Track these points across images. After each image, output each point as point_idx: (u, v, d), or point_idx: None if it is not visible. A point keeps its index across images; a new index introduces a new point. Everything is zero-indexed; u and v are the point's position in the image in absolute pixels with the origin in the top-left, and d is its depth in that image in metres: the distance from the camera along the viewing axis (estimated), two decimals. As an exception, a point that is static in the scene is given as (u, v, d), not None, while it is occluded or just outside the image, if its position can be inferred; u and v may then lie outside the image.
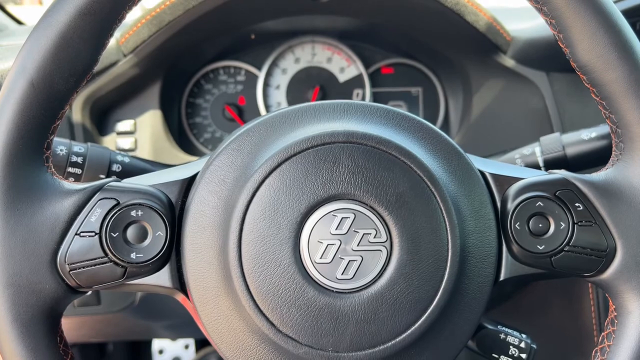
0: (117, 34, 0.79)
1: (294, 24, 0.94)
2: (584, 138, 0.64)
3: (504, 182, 0.51)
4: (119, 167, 0.64)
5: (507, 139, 0.86)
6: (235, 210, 0.46)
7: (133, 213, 0.47)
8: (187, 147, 0.98)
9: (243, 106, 1.01)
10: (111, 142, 0.85)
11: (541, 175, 0.51)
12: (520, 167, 0.55)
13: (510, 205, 0.49)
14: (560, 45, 0.50)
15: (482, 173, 0.51)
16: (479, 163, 0.53)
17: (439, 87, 1.00)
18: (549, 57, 0.80)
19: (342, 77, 1.02)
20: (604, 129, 0.64)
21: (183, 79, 0.97)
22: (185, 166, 0.54)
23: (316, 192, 0.46)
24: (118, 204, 0.47)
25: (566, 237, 0.48)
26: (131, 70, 0.80)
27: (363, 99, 1.01)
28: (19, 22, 1.09)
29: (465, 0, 0.78)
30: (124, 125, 0.85)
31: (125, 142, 0.85)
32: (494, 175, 0.51)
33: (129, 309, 0.88)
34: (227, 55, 0.99)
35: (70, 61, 0.46)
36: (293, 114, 0.50)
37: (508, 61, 0.84)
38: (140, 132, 0.86)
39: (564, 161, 0.65)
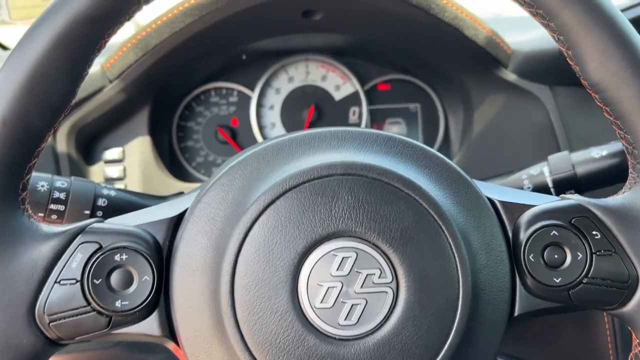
0: (102, 59, 0.76)
1: (286, 42, 0.91)
2: (594, 156, 0.61)
3: (515, 210, 0.48)
4: (104, 202, 0.61)
5: (511, 156, 0.83)
6: (226, 252, 0.42)
7: (117, 257, 0.44)
8: (179, 172, 0.94)
9: (236, 128, 0.97)
10: (99, 171, 0.82)
11: (554, 202, 0.48)
12: (530, 192, 0.52)
13: (523, 236, 0.46)
14: (570, 62, 0.47)
15: (491, 201, 0.48)
16: (486, 190, 0.49)
17: (438, 103, 0.97)
18: (552, 70, 0.77)
19: (337, 95, 0.98)
20: (615, 146, 0.61)
21: (173, 101, 0.93)
22: (173, 202, 0.51)
23: (314, 230, 0.42)
24: (100, 247, 0.44)
25: (584, 268, 0.45)
26: (118, 96, 0.77)
27: (360, 116, 0.98)
28: (3, 48, 1.06)
29: (463, 14, 0.75)
30: (111, 153, 0.82)
31: (114, 171, 0.82)
32: (503, 203, 0.48)
33: (122, 343, 0.84)
34: (219, 76, 0.96)
35: (46, 95, 0.43)
36: (287, 145, 0.47)
37: (509, 75, 0.81)
38: (129, 159, 0.82)
39: (574, 181, 0.61)
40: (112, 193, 0.62)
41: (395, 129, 1.00)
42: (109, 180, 0.81)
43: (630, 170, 0.47)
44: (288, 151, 0.46)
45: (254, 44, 0.87)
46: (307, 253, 0.42)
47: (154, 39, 0.72)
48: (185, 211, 0.48)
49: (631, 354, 0.47)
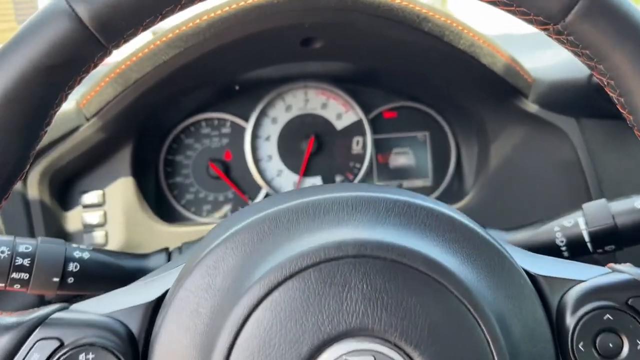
0: (77, 95, 0.68)
1: (283, 70, 0.83)
2: (638, 207, 0.53)
3: (559, 286, 0.40)
4: (76, 266, 0.53)
5: (532, 196, 0.75)
6: (213, 355, 0.34)
7: (82, 357, 0.36)
8: (167, 211, 0.86)
9: (229, 161, 0.90)
10: (76, 217, 0.73)
11: (605, 276, 0.40)
12: (573, 263, 0.44)
13: (571, 320, 0.38)
14: (621, 110, 0.39)
15: (531, 276, 0.40)
16: (523, 260, 0.42)
17: (449, 131, 0.90)
18: (580, 101, 0.70)
19: (339, 124, 0.91)
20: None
21: (159, 135, 0.86)
22: (152, 282, 0.43)
23: (321, 330, 0.34)
24: (62, 345, 0.36)
25: None
26: (96, 135, 0.69)
27: (364, 147, 0.90)
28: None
29: (480, 41, 0.67)
30: (90, 197, 0.74)
31: (93, 217, 0.74)
32: (546, 279, 0.40)
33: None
34: (209, 106, 0.88)
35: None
36: (286, 216, 0.39)
37: (531, 106, 0.73)
38: (111, 203, 0.74)
39: (614, 234, 0.54)
40: (85, 255, 0.54)
41: (402, 160, 0.92)
42: (88, 227, 0.73)
43: None
44: (287, 225, 0.38)
45: (247, 74, 0.79)
46: (314, 358, 0.34)
47: (135, 72, 0.64)
48: (165, 293, 0.40)
49: None
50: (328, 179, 0.91)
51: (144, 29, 0.36)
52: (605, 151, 0.70)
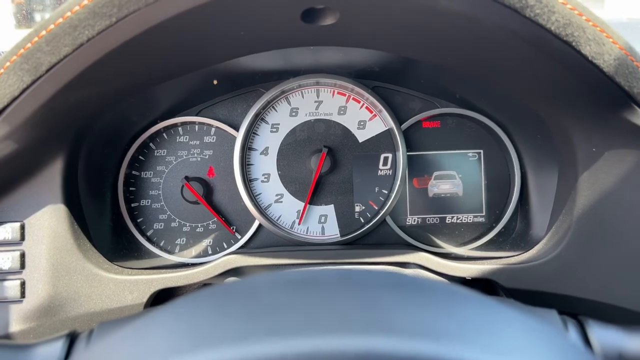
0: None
1: (287, 59, 0.60)
2: None
3: None
4: None
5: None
6: None
7: None
8: (125, 246, 0.64)
9: (212, 180, 0.67)
10: (-20, 259, 0.52)
11: None
12: None
13: None
14: None
15: None
16: None
17: (511, 149, 0.65)
18: None
19: (362, 135, 0.67)
20: None
21: (116, 144, 0.64)
22: None
23: None
24: None
25: None
26: (3, 145, 0.47)
27: (394, 166, 0.67)
28: None
29: (583, 19, 0.43)
30: (2, 232, 0.52)
31: (5, 260, 0.52)
32: None
33: None
34: (187, 107, 0.66)
35: None
36: None
37: (651, 120, 0.48)
38: (32, 240, 0.53)
39: None
40: None
41: (445, 187, 0.68)
42: (-2, 273, 0.52)
43: None
44: None
45: (235, 63, 0.56)
46: None
47: (48, 54, 0.42)
48: None
49: None
50: (343, 210, 0.67)
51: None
52: None
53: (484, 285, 0.59)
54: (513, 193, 0.66)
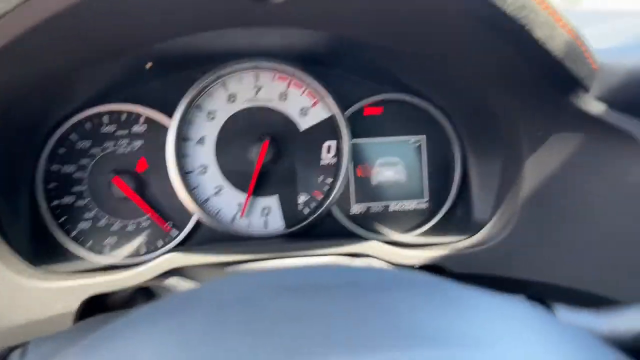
0: None
1: (223, 40, 0.56)
2: None
3: None
4: None
5: (589, 231, 0.52)
6: None
7: None
8: (48, 248, 0.58)
9: (143, 174, 0.62)
10: None
11: None
12: None
13: None
14: None
15: None
16: None
17: (454, 135, 0.65)
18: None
19: (304, 123, 0.65)
20: None
21: (33, 135, 0.57)
22: None
23: None
24: None
25: None
26: None
27: (338, 154, 0.65)
28: None
29: (536, 1, 0.43)
30: None
31: None
32: None
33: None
34: (115, 94, 0.60)
35: None
36: None
37: (593, 105, 0.49)
38: None
39: None
40: None
41: (389, 173, 0.67)
42: None
43: None
44: None
45: (168, 45, 0.52)
46: None
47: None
48: None
49: None
50: (287, 201, 0.64)
51: None
52: None
53: (433, 271, 0.58)
54: (454, 178, 0.66)
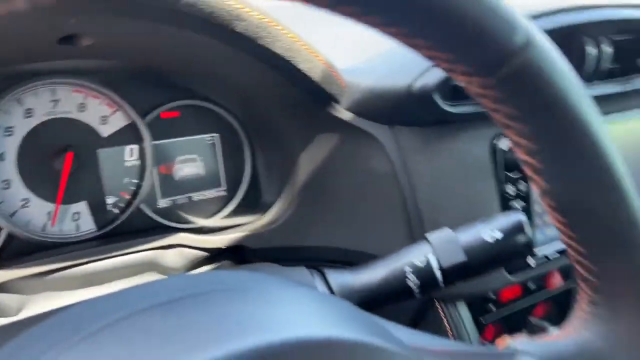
0: None
1: (16, 66, 0.58)
2: (488, 240, 0.51)
3: None
4: None
5: (348, 207, 0.69)
6: None
7: None
8: None
9: (-60, 196, 0.61)
10: None
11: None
12: (470, 346, 0.38)
13: None
14: (530, 174, 0.34)
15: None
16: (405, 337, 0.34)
17: (242, 133, 0.77)
18: (395, 109, 0.65)
19: (105, 130, 0.70)
20: (503, 223, 0.52)
21: None
22: None
23: None
24: None
25: None
26: None
27: (142, 157, 0.72)
28: None
29: (299, 44, 0.56)
30: None
31: None
32: None
33: None
34: None
35: None
36: None
37: (344, 113, 0.66)
38: None
39: (466, 269, 0.51)
40: None
41: (189, 169, 0.76)
42: None
43: (581, 304, 0.37)
44: None
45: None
46: None
47: None
48: None
49: None
50: (95, 204, 0.70)
51: None
52: (418, 159, 0.67)
53: (237, 250, 0.71)
54: (245, 169, 0.78)
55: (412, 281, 0.51)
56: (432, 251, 0.51)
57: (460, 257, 0.50)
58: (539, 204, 0.77)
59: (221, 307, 0.27)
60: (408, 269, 0.51)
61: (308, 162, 0.69)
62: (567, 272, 0.84)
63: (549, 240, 0.79)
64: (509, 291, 0.79)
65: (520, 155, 0.32)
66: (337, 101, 0.65)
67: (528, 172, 0.33)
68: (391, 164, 0.67)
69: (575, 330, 0.36)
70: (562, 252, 0.79)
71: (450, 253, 0.51)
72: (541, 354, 0.35)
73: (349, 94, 0.65)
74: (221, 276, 0.31)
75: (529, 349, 0.36)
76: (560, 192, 0.32)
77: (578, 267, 0.35)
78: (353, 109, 0.65)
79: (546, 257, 0.78)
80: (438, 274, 0.51)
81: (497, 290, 0.77)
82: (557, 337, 0.37)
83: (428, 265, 0.51)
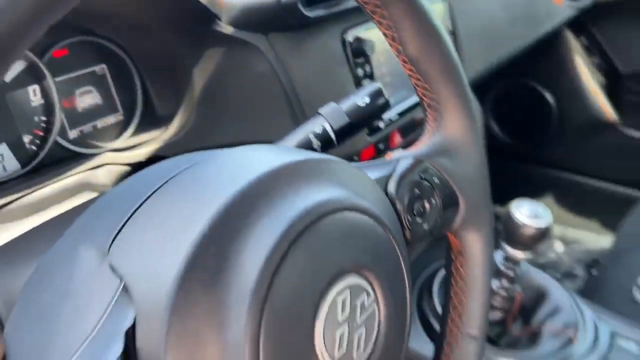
0: None
1: None
2: (360, 104, 0.71)
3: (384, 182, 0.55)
4: None
5: (242, 111, 0.85)
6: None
7: None
8: None
9: None
10: None
11: (400, 164, 0.57)
12: (368, 163, 0.58)
13: (399, 204, 0.54)
14: (392, 43, 0.54)
15: None
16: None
17: (128, 61, 0.86)
18: (268, 19, 0.80)
19: (7, 75, 0.74)
20: (368, 91, 0.72)
21: None
22: None
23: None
24: None
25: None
26: None
27: (46, 95, 0.78)
28: None
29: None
30: None
31: None
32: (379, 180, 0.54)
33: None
34: None
35: None
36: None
37: (226, 28, 0.79)
38: None
39: (350, 127, 0.71)
40: None
41: (88, 100, 0.84)
42: None
43: (430, 119, 0.60)
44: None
45: None
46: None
47: None
48: None
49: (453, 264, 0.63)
50: (14, 144, 0.76)
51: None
52: (291, 58, 0.84)
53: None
54: (137, 92, 0.88)
55: (315, 143, 0.70)
56: (325, 120, 0.70)
57: (345, 120, 0.70)
58: (381, 80, 1.00)
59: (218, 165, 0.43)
60: (312, 137, 0.70)
61: (200, 76, 0.82)
62: (403, 132, 1.11)
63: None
64: (366, 152, 1.03)
65: (384, 30, 0.51)
66: (218, 18, 0.78)
67: (393, 43, 0.52)
68: (271, 66, 0.83)
69: (429, 137, 0.58)
70: (401, 114, 1.04)
71: (338, 119, 0.70)
72: (413, 155, 0.56)
73: (228, 10, 0.78)
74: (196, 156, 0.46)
75: (406, 154, 0.57)
76: (412, 52, 0.53)
77: (425, 99, 0.57)
78: (233, 23, 0.79)
79: (390, 119, 1.02)
80: (332, 135, 0.70)
81: (359, 151, 1.01)
82: (419, 144, 0.59)
83: (325, 131, 0.70)
